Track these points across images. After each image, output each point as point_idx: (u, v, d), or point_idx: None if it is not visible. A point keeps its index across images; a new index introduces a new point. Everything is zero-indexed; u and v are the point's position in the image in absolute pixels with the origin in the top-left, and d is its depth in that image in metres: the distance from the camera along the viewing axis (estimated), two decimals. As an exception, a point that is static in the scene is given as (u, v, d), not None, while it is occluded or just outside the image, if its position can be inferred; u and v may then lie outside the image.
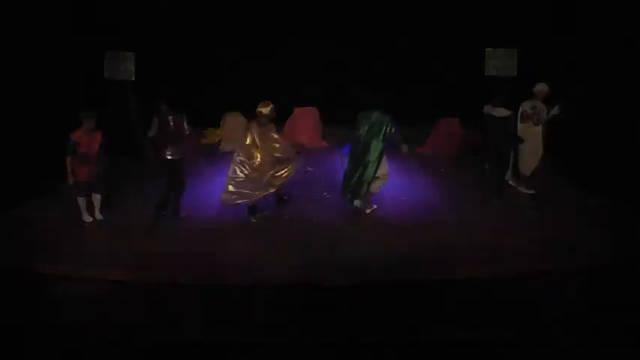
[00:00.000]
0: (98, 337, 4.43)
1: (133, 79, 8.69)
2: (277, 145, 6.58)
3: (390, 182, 6.97)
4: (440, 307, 4.83)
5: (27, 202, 7.05)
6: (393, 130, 6.45)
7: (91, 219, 6.60)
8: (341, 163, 7.29)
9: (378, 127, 6.45)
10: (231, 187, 6.48)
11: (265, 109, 6.53)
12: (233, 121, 9.81)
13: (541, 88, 7.26)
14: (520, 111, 7.38)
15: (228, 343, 4.33)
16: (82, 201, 6.51)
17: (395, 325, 4.56)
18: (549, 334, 4.42)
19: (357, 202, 6.67)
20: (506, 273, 5.42)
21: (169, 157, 6.42)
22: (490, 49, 8.78)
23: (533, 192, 7.46)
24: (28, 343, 4.33)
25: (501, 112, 7.12)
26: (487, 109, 7.26)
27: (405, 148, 6.67)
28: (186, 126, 6.47)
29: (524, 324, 4.56)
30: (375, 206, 6.91)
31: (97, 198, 6.63)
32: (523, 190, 7.56)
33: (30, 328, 4.52)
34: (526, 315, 4.70)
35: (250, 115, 9.46)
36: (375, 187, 6.75)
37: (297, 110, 10.06)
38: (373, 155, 6.48)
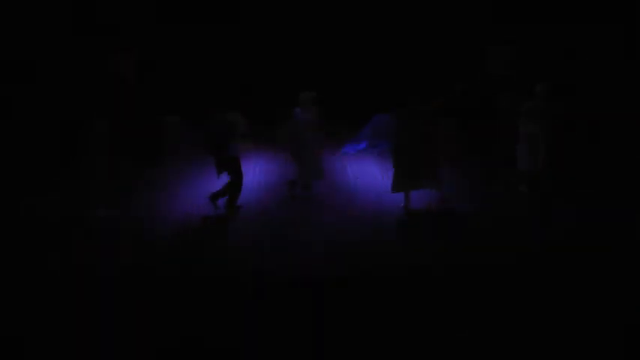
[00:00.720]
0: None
1: (134, 78, 8.70)
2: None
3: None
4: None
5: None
6: None
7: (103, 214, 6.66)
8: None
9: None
10: None
11: (301, 95, 7.15)
12: (233, 121, 9.78)
13: (542, 87, 7.24)
14: (522, 111, 7.37)
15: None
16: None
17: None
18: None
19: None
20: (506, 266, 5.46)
21: (232, 155, 6.69)
22: (490, 48, 8.79)
23: (531, 192, 7.45)
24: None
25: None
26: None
27: None
28: (243, 123, 6.68)
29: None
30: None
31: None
32: (523, 189, 7.55)
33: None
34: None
35: (250, 114, 9.58)
36: None
37: (297, 110, 10.04)
38: None
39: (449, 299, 4.93)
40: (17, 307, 4.85)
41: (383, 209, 6.95)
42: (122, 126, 8.76)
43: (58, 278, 5.34)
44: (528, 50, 8.67)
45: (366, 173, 8.07)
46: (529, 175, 7.48)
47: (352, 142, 9.36)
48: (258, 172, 8.54)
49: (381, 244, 6.04)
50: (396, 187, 6.88)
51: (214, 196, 6.78)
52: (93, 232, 6.43)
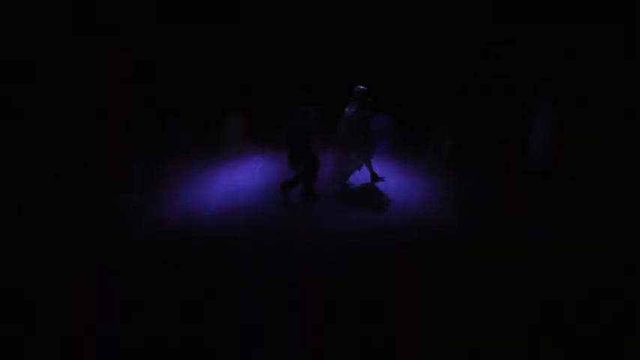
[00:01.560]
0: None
1: (134, 78, 8.70)
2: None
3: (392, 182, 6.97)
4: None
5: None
6: None
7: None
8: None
9: None
10: None
11: (356, 91, 7.28)
12: (234, 121, 9.80)
13: (543, 87, 7.26)
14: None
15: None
16: None
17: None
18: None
19: None
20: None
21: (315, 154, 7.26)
22: (491, 48, 8.79)
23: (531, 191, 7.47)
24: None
25: None
26: None
27: None
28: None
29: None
30: None
31: None
32: (523, 189, 7.55)
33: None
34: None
35: (250, 114, 9.60)
36: None
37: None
38: None
39: (449, 299, 4.93)
40: (16, 307, 4.86)
41: (383, 209, 6.96)
42: (122, 126, 8.78)
43: (57, 278, 5.35)
44: (528, 50, 8.66)
45: (366, 173, 8.06)
46: (530, 175, 7.50)
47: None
48: (258, 173, 8.54)
49: (381, 244, 6.05)
50: None
51: (285, 186, 7.16)
52: (93, 232, 6.45)
